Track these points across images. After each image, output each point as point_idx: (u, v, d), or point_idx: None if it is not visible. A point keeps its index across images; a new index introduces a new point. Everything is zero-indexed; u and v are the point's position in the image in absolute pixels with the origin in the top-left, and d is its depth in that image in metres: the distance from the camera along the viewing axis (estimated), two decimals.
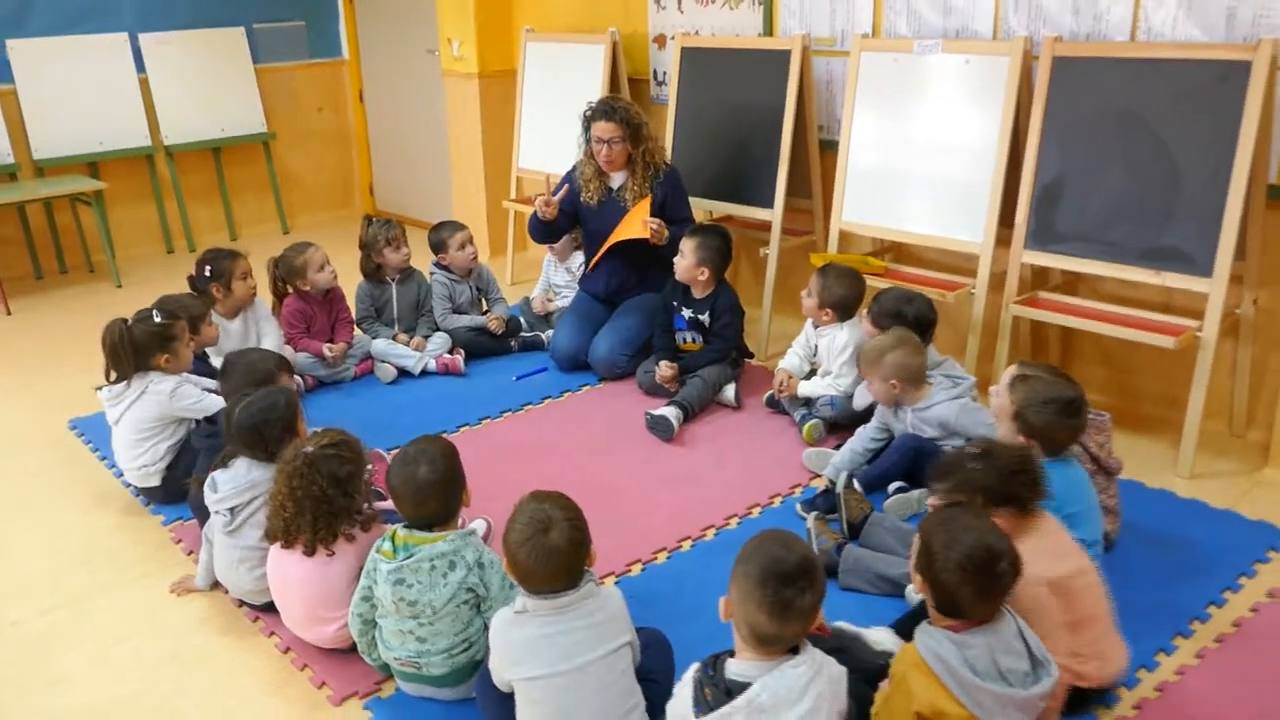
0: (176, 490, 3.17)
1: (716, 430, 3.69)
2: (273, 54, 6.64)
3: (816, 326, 3.69)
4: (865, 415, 3.32)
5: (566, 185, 4.22)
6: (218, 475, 2.66)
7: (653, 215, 3.99)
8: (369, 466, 2.57)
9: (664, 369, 3.84)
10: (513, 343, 4.45)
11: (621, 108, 4.04)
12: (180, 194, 6.36)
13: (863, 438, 3.23)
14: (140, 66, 6.10)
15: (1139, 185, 3.37)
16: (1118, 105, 3.40)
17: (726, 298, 3.90)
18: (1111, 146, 3.43)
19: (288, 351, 3.95)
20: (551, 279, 4.79)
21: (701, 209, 4.55)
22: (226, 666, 2.55)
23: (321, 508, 2.38)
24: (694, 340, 3.97)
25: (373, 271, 4.36)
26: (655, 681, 2.10)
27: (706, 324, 3.91)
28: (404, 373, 4.21)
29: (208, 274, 3.83)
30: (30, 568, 3.01)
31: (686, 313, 3.94)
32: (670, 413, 3.62)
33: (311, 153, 6.97)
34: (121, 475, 3.37)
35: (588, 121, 4.07)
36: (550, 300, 4.71)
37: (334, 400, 4.04)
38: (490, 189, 5.75)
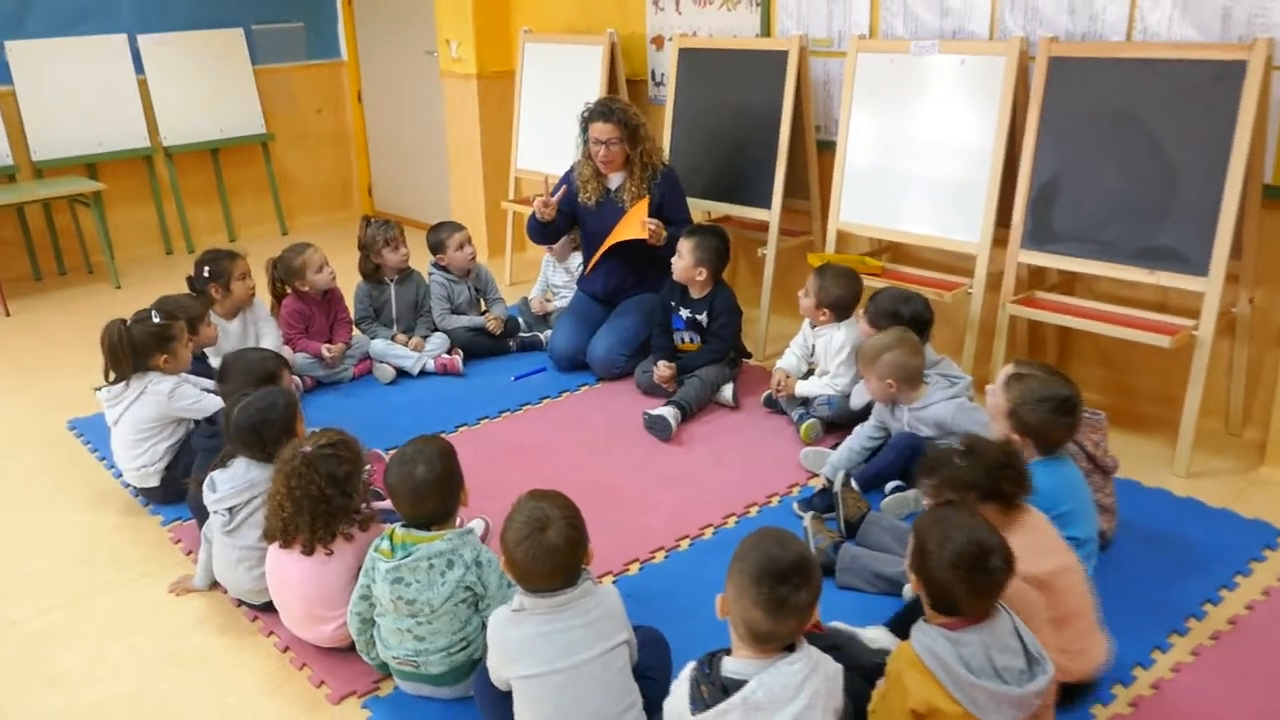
0: (175, 490, 3.18)
1: (714, 430, 3.70)
2: (271, 55, 6.65)
3: (814, 326, 3.70)
4: (862, 414, 3.33)
5: (564, 186, 4.23)
6: (216, 475, 2.66)
7: (651, 216, 4.00)
8: (367, 466, 2.57)
9: (662, 369, 3.85)
10: (511, 343, 4.46)
11: (619, 109, 4.04)
12: (179, 195, 6.37)
13: (860, 436, 3.24)
14: (139, 68, 6.11)
15: (1135, 185, 3.38)
16: (1113, 105, 3.41)
17: (724, 298, 3.91)
18: (1107, 146, 3.44)
19: (286, 352, 3.96)
20: (550, 279, 4.80)
21: (699, 209, 4.56)
22: (225, 666, 2.56)
23: (320, 507, 2.38)
24: (692, 340, 3.98)
25: (371, 272, 4.36)
26: (653, 679, 2.11)
27: (704, 324, 3.92)
28: (402, 373, 4.22)
29: (206, 275, 3.84)
30: (30, 568, 3.01)
31: (684, 313, 3.95)
32: (668, 412, 3.63)
33: (310, 154, 6.98)
34: (120, 475, 3.38)
35: (585, 122, 4.08)
36: (549, 300, 4.72)
37: (333, 401, 4.04)
38: (489, 190, 5.76)
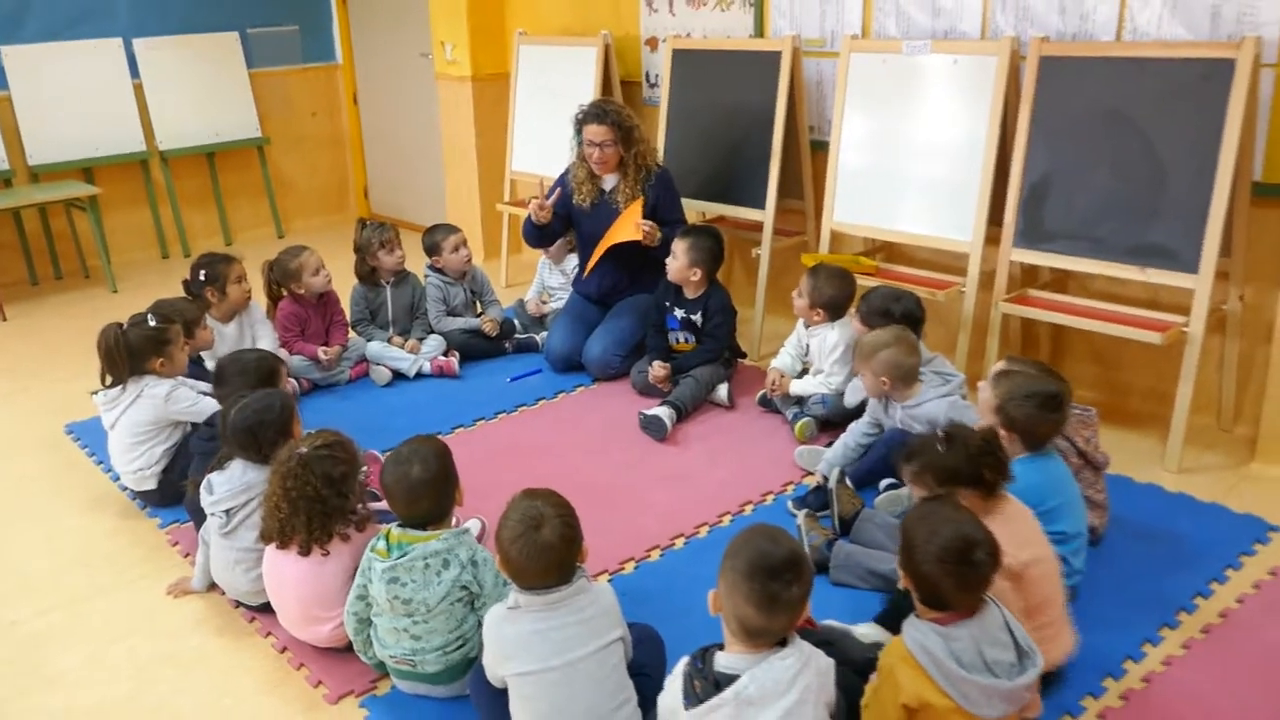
0: (173, 493, 3.19)
1: (709, 429, 3.72)
2: (267, 58, 6.66)
3: (808, 326, 3.72)
4: (856, 413, 3.34)
5: (559, 189, 4.25)
6: (213, 478, 2.68)
7: (645, 217, 4.02)
8: (363, 467, 2.59)
9: (657, 369, 3.87)
10: (507, 344, 4.48)
11: (612, 110, 4.06)
12: (175, 199, 6.38)
13: (855, 433, 3.26)
14: (134, 72, 6.12)
15: (1125, 183, 3.40)
16: (1104, 104, 3.43)
17: (718, 298, 3.93)
18: (1098, 145, 3.45)
19: (282, 355, 3.97)
20: (546, 281, 4.82)
21: (694, 210, 4.58)
22: (223, 666, 2.57)
23: (316, 508, 2.39)
24: (686, 340, 3.99)
25: (367, 274, 4.37)
26: (647, 676, 2.12)
27: (699, 324, 3.94)
28: (399, 375, 4.23)
29: (202, 278, 3.85)
30: (28, 570, 3.02)
31: (679, 313, 3.97)
32: (663, 412, 3.65)
33: (306, 157, 6.99)
34: (118, 479, 3.39)
35: (579, 124, 4.09)
36: (545, 302, 4.74)
37: (329, 403, 4.06)
38: (484, 192, 5.78)
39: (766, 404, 3.81)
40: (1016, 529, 2.20)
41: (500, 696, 2.10)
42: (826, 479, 3.04)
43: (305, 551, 2.43)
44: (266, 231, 6.80)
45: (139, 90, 6.14)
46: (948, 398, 3.10)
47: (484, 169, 5.73)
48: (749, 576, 1.78)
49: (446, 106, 5.86)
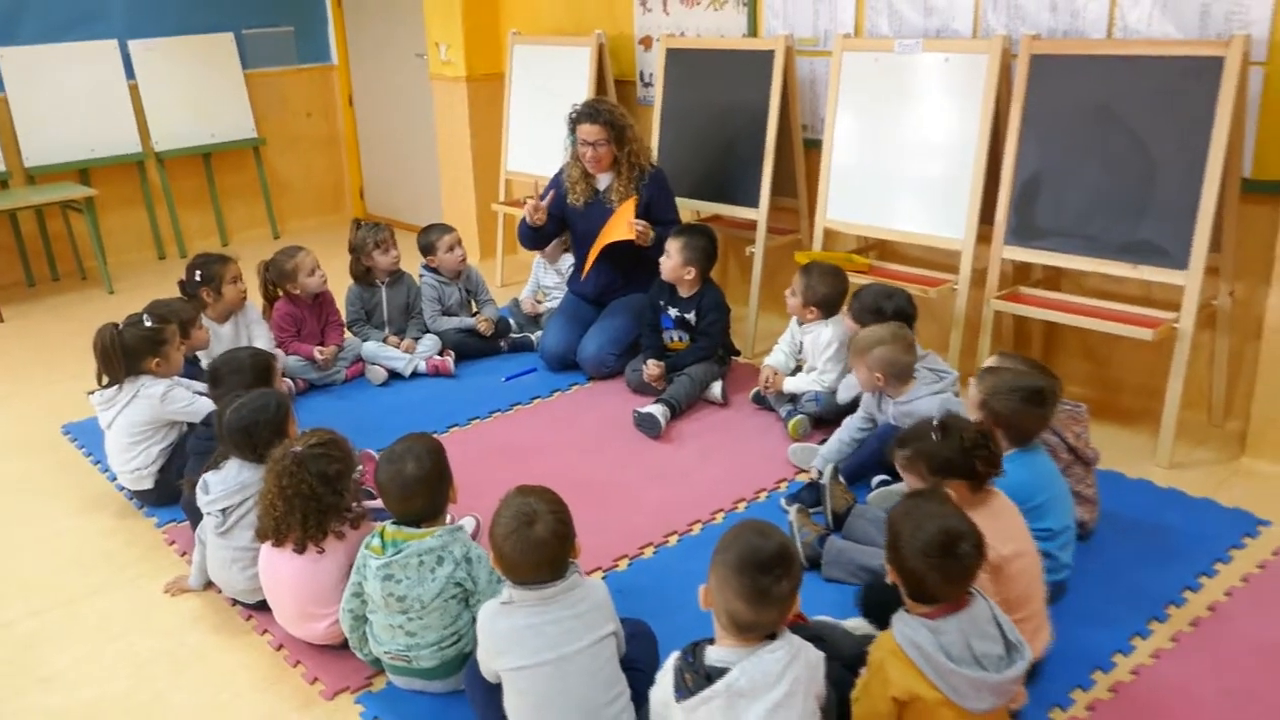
0: (169, 493, 3.21)
1: (703, 427, 3.74)
2: (262, 59, 6.67)
3: (801, 324, 3.73)
4: (849, 410, 3.36)
5: (553, 191, 4.26)
6: (209, 477, 2.69)
7: (639, 217, 4.03)
8: (358, 466, 2.60)
9: (651, 367, 3.88)
10: (502, 344, 4.49)
11: (606, 110, 4.07)
12: (171, 200, 6.40)
13: (850, 428, 3.27)
14: (130, 73, 6.13)
15: (1116, 180, 3.42)
16: (1095, 101, 3.45)
17: (712, 296, 3.94)
18: (1089, 142, 3.48)
19: (278, 355, 3.98)
20: (541, 280, 4.83)
21: (688, 209, 4.59)
22: (220, 664, 2.59)
23: (311, 506, 2.41)
24: (681, 339, 4.01)
25: (362, 275, 4.39)
26: (640, 670, 2.13)
27: (693, 323, 3.95)
28: (394, 375, 4.25)
29: (198, 279, 3.86)
30: (25, 570, 3.04)
31: (673, 312, 3.99)
32: (658, 410, 3.67)
33: (301, 157, 7.00)
34: (115, 479, 3.40)
35: (573, 124, 4.10)
36: (540, 301, 4.75)
37: (325, 403, 4.07)
38: (479, 192, 5.79)
39: (760, 401, 3.83)
40: (1001, 523, 2.21)
41: (495, 691, 2.11)
42: (820, 474, 3.05)
43: (301, 549, 2.44)
44: (262, 232, 6.82)
45: (135, 91, 6.15)
46: (940, 395, 3.11)
47: (479, 169, 5.75)
48: (739, 571, 1.79)
49: (441, 107, 5.87)
